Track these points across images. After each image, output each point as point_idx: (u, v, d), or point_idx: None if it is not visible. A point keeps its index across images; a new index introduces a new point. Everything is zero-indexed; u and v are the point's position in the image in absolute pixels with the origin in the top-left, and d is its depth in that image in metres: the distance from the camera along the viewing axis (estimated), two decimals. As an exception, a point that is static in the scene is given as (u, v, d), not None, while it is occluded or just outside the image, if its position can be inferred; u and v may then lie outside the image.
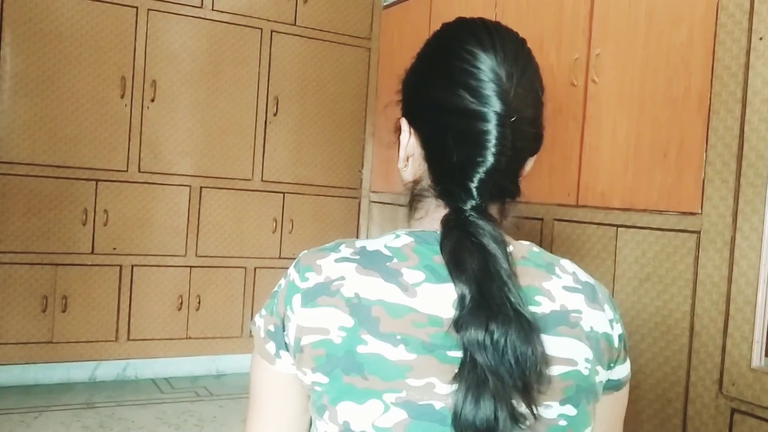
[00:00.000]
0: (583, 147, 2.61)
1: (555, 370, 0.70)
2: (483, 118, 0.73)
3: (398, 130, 0.83)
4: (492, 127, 0.73)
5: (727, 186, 2.05)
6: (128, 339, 3.62)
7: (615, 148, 2.47)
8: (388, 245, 0.74)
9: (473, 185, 0.74)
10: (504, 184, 0.77)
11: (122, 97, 3.55)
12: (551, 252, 0.81)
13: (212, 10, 3.73)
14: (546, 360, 0.69)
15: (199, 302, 3.77)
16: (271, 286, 3.66)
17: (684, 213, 2.20)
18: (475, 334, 0.66)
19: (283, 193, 3.96)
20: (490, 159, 0.73)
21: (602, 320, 0.76)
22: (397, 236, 0.76)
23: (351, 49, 4.12)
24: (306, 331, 0.71)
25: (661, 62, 2.32)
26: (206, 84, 3.75)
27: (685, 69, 2.23)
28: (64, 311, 3.45)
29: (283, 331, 0.74)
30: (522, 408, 0.66)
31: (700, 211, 2.14)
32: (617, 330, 0.78)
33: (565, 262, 0.79)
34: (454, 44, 0.76)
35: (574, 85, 2.65)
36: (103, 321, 3.55)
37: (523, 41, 0.80)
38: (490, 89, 0.73)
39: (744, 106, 2.01)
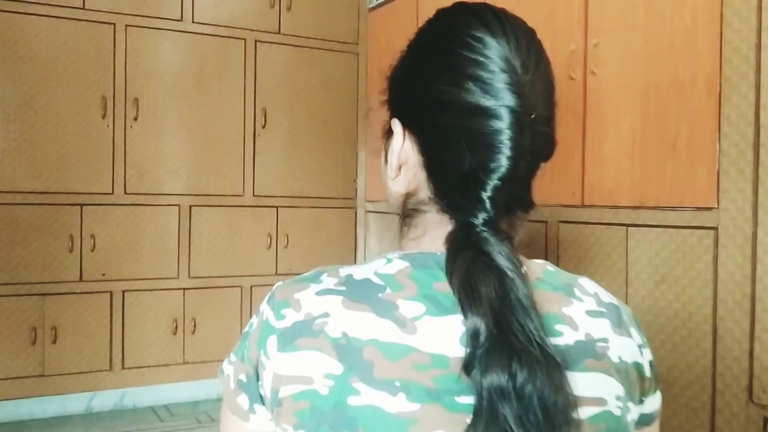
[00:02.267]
0: (586, 143, 2.48)
1: (583, 413, 0.60)
2: (496, 115, 0.62)
3: (387, 133, 0.71)
4: (506, 126, 0.62)
5: (745, 177, 1.91)
6: (123, 367, 3.51)
7: (620, 142, 2.35)
8: (378, 272, 0.63)
9: (486, 195, 0.63)
10: (518, 194, 0.66)
11: (104, 117, 3.44)
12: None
13: (193, 22, 3.62)
14: (576, 404, 0.58)
15: (194, 325, 3.65)
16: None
17: (699, 208, 2.07)
18: (497, 378, 0.55)
19: (276, 207, 3.85)
20: (505, 164, 0.63)
21: (631, 347, 0.67)
22: (389, 261, 0.64)
23: (338, 54, 4.01)
24: (285, 380, 0.60)
25: (664, 48, 2.20)
26: (191, 99, 3.63)
27: (691, 54, 2.11)
28: (54, 342, 3.34)
29: (257, 380, 0.63)
30: None
31: (716, 206, 2.01)
32: (647, 356, 0.68)
33: (585, 281, 0.69)
34: (458, 30, 0.66)
35: (572, 78, 2.53)
36: (96, 350, 3.44)
37: (533, 30, 0.70)
38: (502, 81, 0.63)
39: (758, 91, 1.89)
